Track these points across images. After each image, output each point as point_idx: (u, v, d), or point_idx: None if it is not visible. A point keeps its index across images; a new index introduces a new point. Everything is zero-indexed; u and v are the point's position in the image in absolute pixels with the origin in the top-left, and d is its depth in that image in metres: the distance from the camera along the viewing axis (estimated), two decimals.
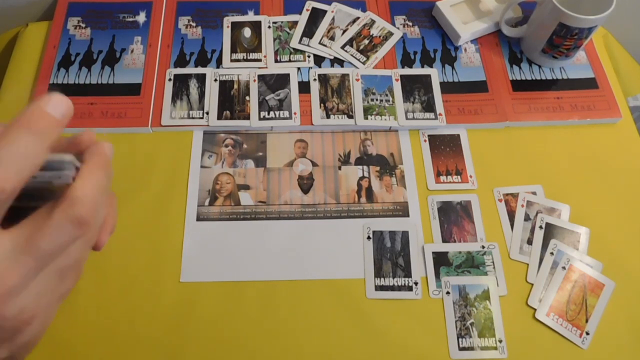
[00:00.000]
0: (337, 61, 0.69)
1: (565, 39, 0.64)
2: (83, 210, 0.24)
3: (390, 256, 0.58)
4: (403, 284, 0.56)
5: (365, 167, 0.63)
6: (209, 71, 0.67)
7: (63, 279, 0.27)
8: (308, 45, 0.70)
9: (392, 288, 0.56)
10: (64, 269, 0.26)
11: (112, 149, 0.28)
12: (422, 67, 0.69)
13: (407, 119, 0.65)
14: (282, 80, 0.67)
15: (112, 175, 0.28)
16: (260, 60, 0.69)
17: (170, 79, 0.66)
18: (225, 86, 0.66)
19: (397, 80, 0.68)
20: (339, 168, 0.63)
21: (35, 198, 0.25)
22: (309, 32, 0.71)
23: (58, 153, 0.26)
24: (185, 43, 0.70)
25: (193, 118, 0.64)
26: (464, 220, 0.60)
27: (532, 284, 0.56)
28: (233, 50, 0.69)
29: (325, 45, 0.70)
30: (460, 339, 0.53)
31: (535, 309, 0.55)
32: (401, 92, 0.67)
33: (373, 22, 0.73)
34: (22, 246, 0.23)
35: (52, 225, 0.24)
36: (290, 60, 0.69)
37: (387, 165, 0.63)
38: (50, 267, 0.25)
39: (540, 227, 0.59)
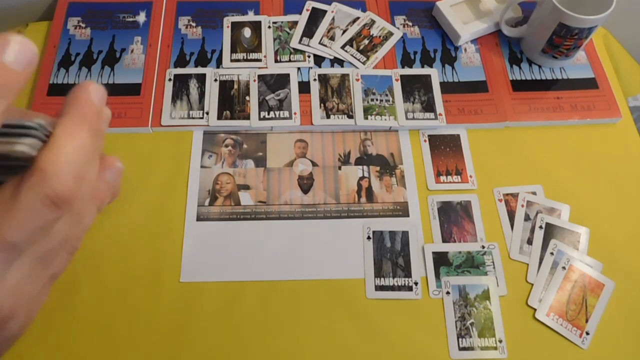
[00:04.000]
0: (337, 61, 0.69)
1: (565, 39, 0.64)
2: (60, 186, 0.19)
3: (390, 256, 0.58)
4: (403, 284, 0.56)
5: (365, 167, 0.63)
6: (209, 71, 0.67)
7: (48, 264, 0.22)
8: (308, 45, 0.70)
9: (392, 288, 0.56)
10: (48, 253, 0.22)
11: (100, 93, 0.22)
12: (422, 67, 0.69)
13: (407, 119, 0.65)
14: (282, 80, 0.67)
15: (103, 127, 0.22)
16: (260, 60, 0.69)
17: (170, 79, 0.66)
18: (225, 86, 0.66)
19: (397, 80, 0.68)
20: (339, 168, 0.63)
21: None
22: (309, 32, 0.71)
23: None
24: (185, 43, 0.70)
25: (193, 118, 0.64)
26: (464, 220, 0.60)
27: (532, 284, 0.56)
28: (233, 50, 0.69)
29: (325, 45, 0.70)
30: (460, 339, 0.53)
31: (535, 309, 0.55)
32: (401, 92, 0.67)
33: (373, 22, 0.73)
34: None
35: (19, 210, 0.19)
36: (290, 60, 0.69)
37: (387, 165, 0.63)
38: (26, 254, 0.20)
39: (540, 227, 0.59)
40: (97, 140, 0.21)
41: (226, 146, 0.64)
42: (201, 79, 0.66)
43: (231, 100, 0.65)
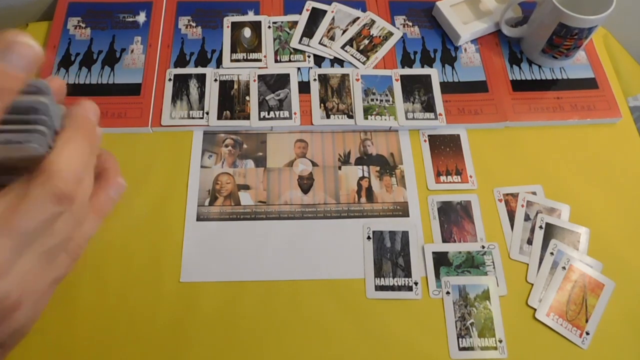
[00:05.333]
0: (337, 61, 0.69)
1: (565, 39, 0.64)
2: (62, 184, 0.22)
3: (390, 256, 0.58)
4: (403, 284, 0.56)
5: (365, 167, 0.63)
6: (209, 71, 0.67)
7: (52, 261, 0.25)
8: (308, 45, 0.70)
9: (392, 288, 0.56)
10: (52, 250, 0.24)
11: (95, 110, 0.25)
12: (422, 67, 0.69)
13: (407, 119, 0.65)
14: (282, 80, 0.67)
15: (97, 141, 0.25)
16: (260, 60, 0.69)
17: (170, 79, 0.66)
18: (225, 86, 0.66)
19: (397, 80, 0.68)
20: (339, 168, 0.63)
21: (6, 171, 0.23)
22: (309, 32, 0.71)
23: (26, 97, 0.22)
24: (185, 43, 0.70)
25: (193, 118, 0.64)
26: (464, 220, 0.60)
27: (532, 284, 0.56)
28: (233, 50, 0.69)
29: (325, 45, 0.70)
30: (460, 339, 0.53)
31: (535, 309, 0.55)
32: (401, 92, 0.67)
33: (373, 22, 0.73)
34: None
35: (30, 202, 0.21)
36: (290, 60, 0.69)
37: (387, 165, 0.63)
38: (33, 247, 0.23)
39: (540, 227, 0.59)
40: (94, 148, 0.25)
41: (226, 146, 0.64)
42: (201, 79, 0.66)
43: (231, 100, 0.65)
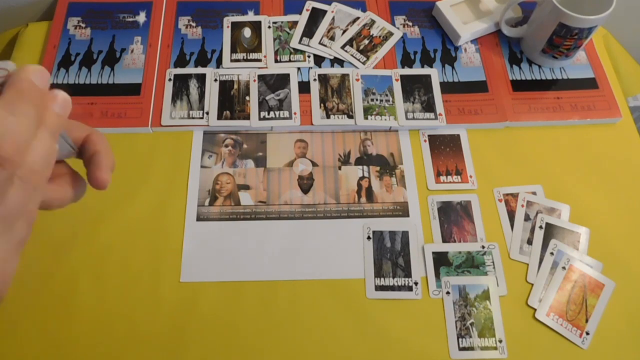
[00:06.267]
0: (337, 61, 0.69)
1: (565, 39, 0.64)
2: None
3: (390, 256, 0.58)
4: (403, 284, 0.56)
5: (365, 167, 0.63)
6: (209, 71, 0.67)
7: (11, 227, 0.25)
8: (308, 45, 0.70)
9: (392, 288, 0.56)
10: (8, 217, 0.24)
11: (39, 72, 0.25)
12: (422, 67, 0.69)
13: (407, 119, 0.65)
14: (282, 80, 0.67)
15: (51, 102, 0.25)
16: (260, 60, 0.69)
17: (170, 79, 0.66)
18: (225, 86, 0.66)
19: (397, 80, 0.68)
20: (339, 168, 0.63)
21: None
22: (309, 32, 0.71)
23: None
24: (185, 43, 0.70)
25: (193, 118, 0.64)
26: (464, 220, 0.60)
27: (532, 284, 0.56)
28: (233, 50, 0.69)
29: (325, 45, 0.70)
30: (460, 339, 0.53)
31: (535, 309, 0.55)
32: (401, 92, 0.67)
33: (373, 22, 0.73)
34: None
35: None
36: (290, 60, 0.69)
37: (387, 165, 0.63)
38: None
39: (540, 227, 0.59)
40: (37, 108, 0.24)
41: (226, 146, 0.64)
42: (201, 79, 0.66)
43: (231, 100, 0.65)
